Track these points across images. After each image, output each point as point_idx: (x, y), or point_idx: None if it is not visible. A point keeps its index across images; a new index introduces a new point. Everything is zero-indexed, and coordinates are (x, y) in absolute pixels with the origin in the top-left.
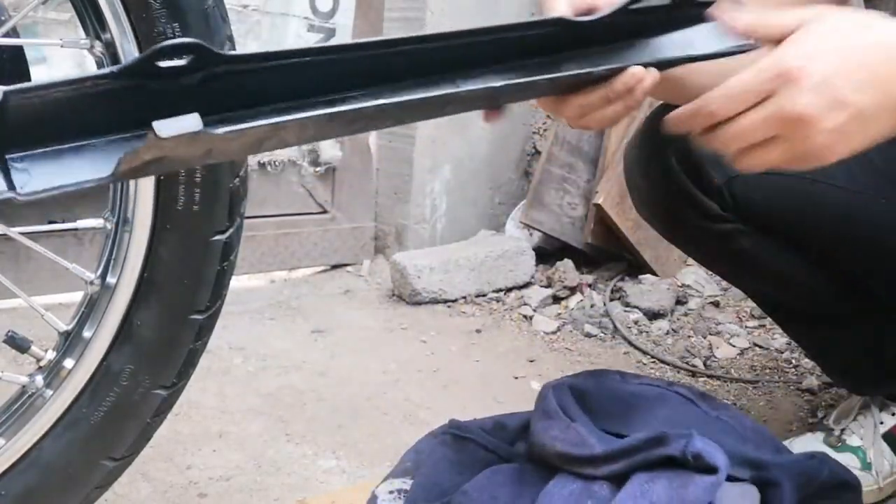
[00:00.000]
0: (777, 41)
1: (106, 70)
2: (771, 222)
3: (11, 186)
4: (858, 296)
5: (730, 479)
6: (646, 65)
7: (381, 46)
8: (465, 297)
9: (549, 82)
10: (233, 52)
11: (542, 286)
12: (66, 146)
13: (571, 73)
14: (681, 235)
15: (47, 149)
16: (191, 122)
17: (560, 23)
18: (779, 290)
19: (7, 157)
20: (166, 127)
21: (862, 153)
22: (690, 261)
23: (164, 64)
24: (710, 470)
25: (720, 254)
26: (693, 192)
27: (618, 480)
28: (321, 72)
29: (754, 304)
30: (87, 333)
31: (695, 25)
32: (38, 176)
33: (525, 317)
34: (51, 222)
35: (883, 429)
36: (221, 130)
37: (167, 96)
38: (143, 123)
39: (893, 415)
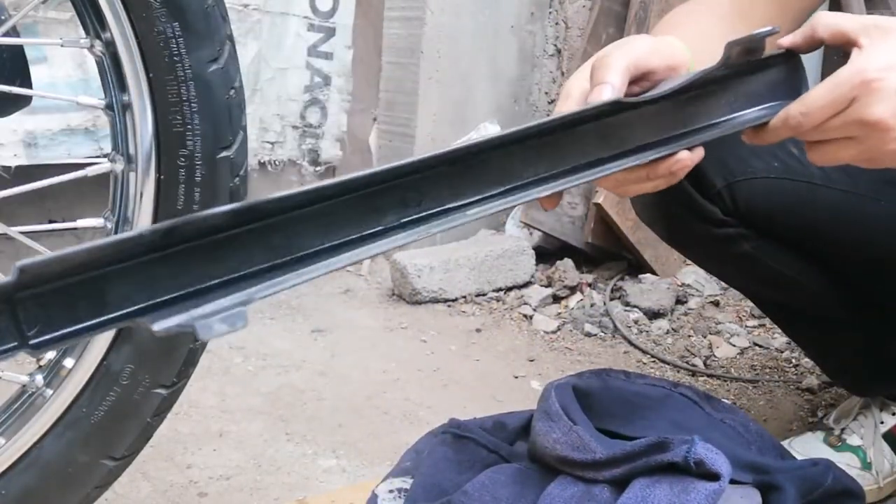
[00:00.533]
0: (838, 42)
1: (148, 229)
2: (772, 226)
3: (23, 339)
4: (859, 297)
5: (732, 482)
6: (691, 147)
7: (437, 162)
8: (465, 297)
9: (597, 178)
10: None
11: (542, 285)
12: (85, 290)
13: (618, 168)
14: (682, 239)
15: (63, 293)
16: (226, 325)
17: (615, 105)
18: (780, 292)
19: (17, 296)
20: (206, 330)
21: None
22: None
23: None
24: (713, 476)
25: (721, 257)
26: (694, 196)
27: (619, 485)
28: (366, 203)
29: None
30: None
31: (737, 87)
32: (52, 322)
33: (525, 316)
34: (51, 222)
35: (883, 428)
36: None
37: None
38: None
39: (893, 414)
